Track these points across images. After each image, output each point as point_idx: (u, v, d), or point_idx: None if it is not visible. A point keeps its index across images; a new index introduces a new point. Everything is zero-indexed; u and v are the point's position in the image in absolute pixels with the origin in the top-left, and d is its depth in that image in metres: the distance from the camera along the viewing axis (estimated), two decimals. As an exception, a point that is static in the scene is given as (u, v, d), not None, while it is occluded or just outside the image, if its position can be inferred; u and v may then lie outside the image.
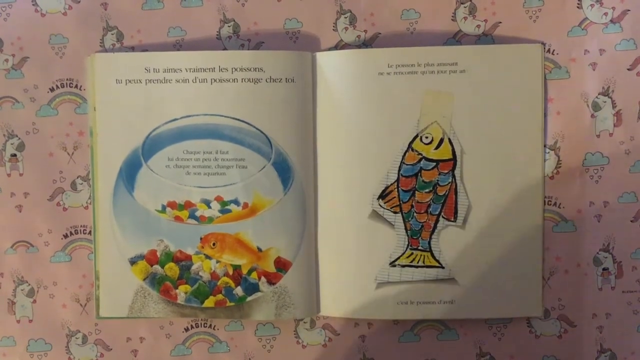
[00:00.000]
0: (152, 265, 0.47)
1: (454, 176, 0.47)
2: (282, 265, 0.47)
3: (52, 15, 0.49)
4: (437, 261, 0.47)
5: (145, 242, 0.47)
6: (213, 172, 0.47)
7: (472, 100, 0.46)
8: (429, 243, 0.47)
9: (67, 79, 0.49)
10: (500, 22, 0.48)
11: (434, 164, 0.47)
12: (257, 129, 0.47)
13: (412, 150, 0.47)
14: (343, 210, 0.47)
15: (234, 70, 0.46)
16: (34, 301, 0.49)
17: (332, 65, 0.47)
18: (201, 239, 0.47)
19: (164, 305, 0.48)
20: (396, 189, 0.47)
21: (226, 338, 0.49)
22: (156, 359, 0.49)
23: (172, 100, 0.47)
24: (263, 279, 0.47)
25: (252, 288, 0.47)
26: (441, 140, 0.47)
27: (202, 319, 0.49)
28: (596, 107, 0.47)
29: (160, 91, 0.47)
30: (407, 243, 0.47)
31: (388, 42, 0.48)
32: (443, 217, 0.47)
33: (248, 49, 0.48)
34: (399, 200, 0.47)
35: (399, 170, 0.47)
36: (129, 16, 0.49)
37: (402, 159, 0.47)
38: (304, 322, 0.49)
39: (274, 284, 0.47)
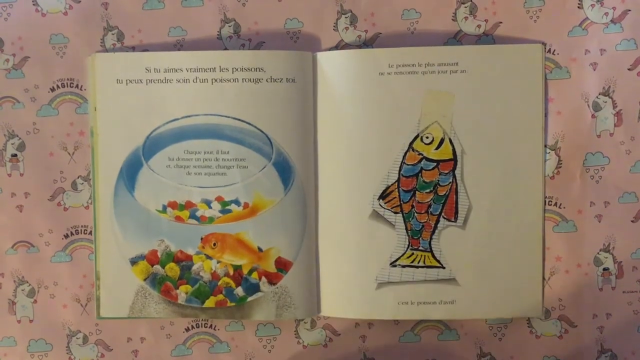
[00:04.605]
0: (152, 266, 0.47)
1: (454, 176, 0.47)
2: (282, 266, 0.47)
3: (53, 15, 0.49)
4: (438, 261, 0.47)
5: (145, 242, 0.47)
6: (214, 172, 0.47)
7: (473, 100, 0.46)
8: (430, 243, 0.47)
9: (67, 79, 0.49)
10: (501, 22, 0.48)
11: (435, 164, 0.47)
12: (257, 129, 0.47)
13: (413, 150, 0.47)
14: (344, 210, 0.47)
15: (234, 70, 0.46)
16: (35, 301, 0.49)
17: (332, 65, 0.47)
18: (202, 239, 0.47)
19: (164, 306, 0.48)
20: (397, 189, 0.47)
21: (227, 338, 0.49)
22: (157, 359, 0.49)
23: (172, 100, 0.47)
24: (264, 279, 0.47)
25: (253, 288, 0.47)
26: (442, 141, 0.47)
27: (202, 319, 0.49)
28: (597, 107, 0.47)
29: (161, 91, 0.47)
30: (407, 243, 0.47)
31: (389, 42, 0.48)
32: (444, 217, 0.47)
33: (249, 49, 0.48)
34: (400, 201, 0.47)
35: (400, 170, 0.47)
36: (129, 16, 0.49)
37: (403, 159, 0.47)
38: (305, 323, 0.49)
39: (274, 284, 0.47)
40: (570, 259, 0.48)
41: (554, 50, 0.47)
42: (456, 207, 0.47)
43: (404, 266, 0.47)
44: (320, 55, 0.47)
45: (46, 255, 0.49)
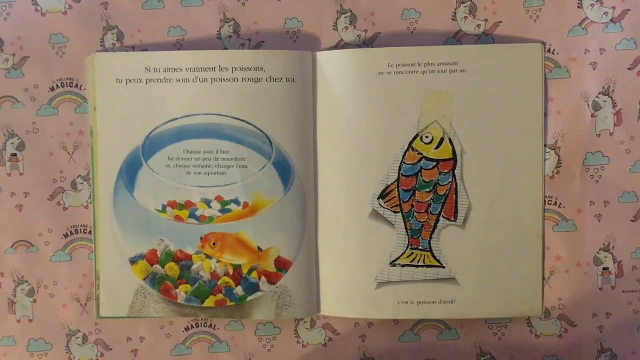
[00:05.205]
0: (152, 265, 0.47)
1: (454, 176, 0.47)
2: (282, 265, 0.47)
3: (53, 14, 0.49)
4: (438, 261, 0.47)
5: (145, 242, 0.47)
6: (213, 171, 0.47)
7: (473, 100, 0.46)
8: (430, 243, 0.47)
9: (67, 79, 0.49)
10: (501, 22, 0.48)
11: (435, 163, 0.47)
12: (257, 128, 0.47)
13: (413, 149, 0.47)
14: (343, 210, 0.47)
15: (234, 69, 0.46)
16: (34, 301, 0.49)
17: (332, 65, 0.47)
18: (201, 238, 0.47)
19: (164, 305, 0.48)
20: (397, 189, 0.47)
21: (226, 338, 0.49)
22: (156, 358, 0.49)
23: (172, 99, 0.47)
24: (263, 278, 0.47)
25: (253, 288, 0.47)
26: (441, 140, 0.47)
27: (202, 319, 0.49)
28: (597, 106, 0.47)
29: (161, 91, 0.47)
30: (407, 243, 0.47)
31: (388, 42, 0.48)
32: (443, 216, 0.47)
33: (248, 49, 0.48)
34: (400, 200, 0.47)
35: (400, 169, 0.47)
36: (129, 16, 0.49)
37: (403, 158, 0.47)
38: (305, 322, 0.49)
39: (274, 283, 0.47)
40: (570, 258, 0.48)
41: (554, 50, 0.47)
42: (456, 207, 0.47)
43: (403, 266, 0.47)
44: (320, 55, 0.47)
45: (46, 255, 0.49)
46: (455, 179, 0.47)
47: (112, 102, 0.47)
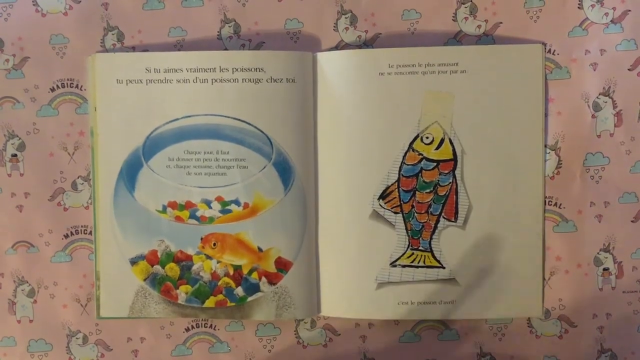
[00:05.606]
0: (152, 266, 0.47)
1: (454, 176, 0.47)
2: (282, 266, 0.47)
3: (53, 15, 0.49)
4: (438, 261, 0.47)
5: (145, 242, 0.47)
6: (214, 172, 0.47)
7: (473, 101, 0.46)
8: (430, 243, 0.47)
9: (67, 79, 0.49)
10: (501, 23, 0.48)
11: (435, 164, 0.47)
12: (257, 129, 0.47)
13: (413, 150, 0.47)
14: (344, 210, 0.47)
15: (234, 70, 0.46)
16: (35, 301, 0.49)
17: (332, 66, 0.47)
18: (202, 239, 0.47)
19: (164, 306, 0.48)
20: (397, 189, 0.47)
21: (227, 338, 0.49)
22: (157, 359, 0.49)
23: (172, 100, 0.47)
24: (264, 279, 0.47)
25: (253, 288, 0.47)
26: (442, 141, 0.47)
27: (202, 319, 0.49)
28: (597, 107, 0.47)
29: (161, 91, 0.47)
30: (407, 243, 0.47)
31: (389, 42, 0.48)
32: (444, 217, 0.47)
33: (249, 49, 0.48)
34: (400, 201, 0.47)
35: (400, 170, 0.47)
36: (129, 16, 0.49)
37: (403, 159, 0.47)
38: (305, 322, 0.49)
39: (274, 284, 0.47)
40: (570, 259, 0.48)
41: (554, 50, 0.47)
42: (456, 207, 0.47)
43: (404, 266, 0.47)
44: (321, 56, 0.47)
45: (46, 255, 0.49)
46: (456, 180, 0.47)
47: (113, 103, 0.47)
